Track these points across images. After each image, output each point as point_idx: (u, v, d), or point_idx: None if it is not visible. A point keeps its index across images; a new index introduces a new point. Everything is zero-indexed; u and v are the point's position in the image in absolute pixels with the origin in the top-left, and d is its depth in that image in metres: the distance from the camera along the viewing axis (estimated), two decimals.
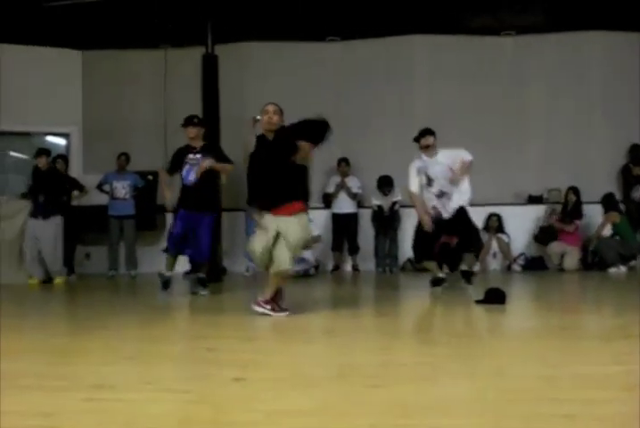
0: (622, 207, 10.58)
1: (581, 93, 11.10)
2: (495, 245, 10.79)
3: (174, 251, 7.37)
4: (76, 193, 10.41)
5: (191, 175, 7.25)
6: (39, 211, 9.18)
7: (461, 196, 7.53)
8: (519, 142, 11.18)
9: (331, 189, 10.97)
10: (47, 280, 9.25)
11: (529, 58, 11.26)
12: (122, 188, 10.47)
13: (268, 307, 5.55)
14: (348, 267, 11.13)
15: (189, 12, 9.78)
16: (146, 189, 10.75)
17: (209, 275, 7.63)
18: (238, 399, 2.85)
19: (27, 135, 11.74)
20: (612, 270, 9.99)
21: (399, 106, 11.20)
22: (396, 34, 11.14)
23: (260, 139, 5.71)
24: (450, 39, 11.23)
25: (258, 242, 5.58)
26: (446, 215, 7.47)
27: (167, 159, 10.73)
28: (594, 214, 10.66)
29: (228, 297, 7.73)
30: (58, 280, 9.21)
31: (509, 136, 11.17)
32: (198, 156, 7.31)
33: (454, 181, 7.43)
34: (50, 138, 11.99)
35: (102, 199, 10.59)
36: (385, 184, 10.65)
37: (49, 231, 9.18)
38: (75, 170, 11.26)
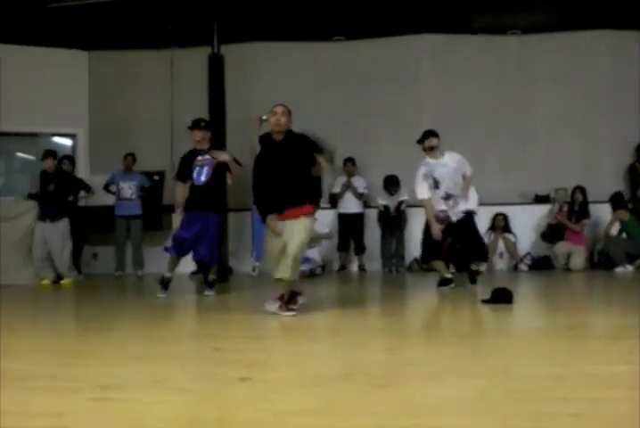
0: (629, 206, 10.56)
1: (587, 92, 11.07)
2: (501, 245, 10.77)
3: (178, 252, 7.35)
4: (82, 193, 10.44)
5: (202, 175, 7.26)
6: (48, 215, 9.21)
7: (468, 200, 7.60)
8: (525, 141, 11.17)
9: (337, 189, 10.97)
10: (57, 280, 9.31)
11: (536, 57, 11.24)
12: (129, 188, 10.49)
13: (276, 305, 5.59)
14: (354, 266, 11.12)
15: (195, 13, 9.80)
16: (153, 189, 10.78)
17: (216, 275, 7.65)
18: (245, 398, 2.86)
19: (33, 135, 11.77)
20: (619, 270, 9.97)
21: (405, 106, 11.18)
22: (401, 33, 11.13)
23: (266, 139, 5.73)
24: (456, 39, 11.22)
25: (274, 249, 5.59)
26: (454, 218, 7.50)
27: (173, 159, 10.86)
28: (600, 214, 10.64)
29: (235, 297, 7.73)
30: (65, 281, 9.25)
31: (515, 135, 11.16)
32: (207, 156, 7.30)
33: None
34: (56, 139, 12.03)
35: (108, 199, 10.61)
36: (391, 183, 10.64)
37: (57, 234, 9.21)
38: (81, 171, 11.30)
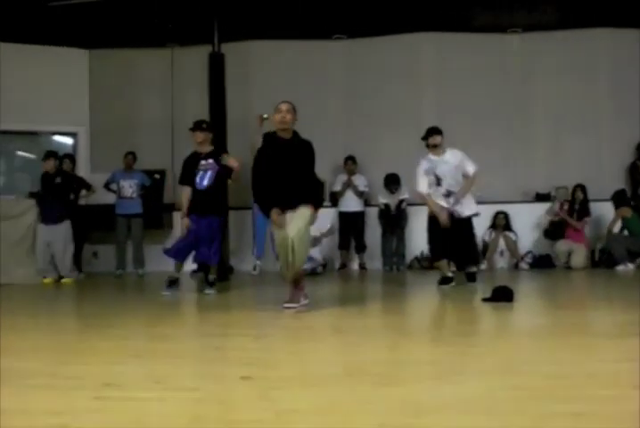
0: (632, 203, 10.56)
1: (588, 90, 11.07)
2: (502, 243, 10.76)
3: (182, 258, 7.40)
4: (83, 192, 10.44)
5: (205, 179, 7.27)
6: (50, 217, 9.22)
7: (469, 204, 7.63)
8: (526, 139, 11.17)
9: (337, 187, 10.96)
10: (59, 279, 9.34)
11: (536, 55, 11.23)
12: (129, 187, 10.48)
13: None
14: (355, 265, 11.12)
15: (196, 11, 9.80)
16: (153, 188, 10.78)
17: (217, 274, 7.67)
18: (246, 397, 2.85)
19: (34, 134, 11.77)
20: (620, 268, 9.96)
21: (406, 104, 11.18)
22: (402, 32, 11.13)
23: (271, 137, 5.71)
24: (457, 37, 11.21)
25: (282, 241, 5.59)
26: (456, 214, 7.52)
27: (174, 157, 10.87)
28: (601, 212, 10.64)
29: (235, 295, 7.73)
30: (66, 280, 9.27)
31: (516, 134, 11.16)
32: (210, 161, 7.32)
33: (460, 195, 7.52)
34: (57, 138, 12.02)
35: (109, 198, 10.61)
36: (392, 182, 10.64)
37: (60, 236, 9.24)
38: (82, 169, 11.30)
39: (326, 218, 10.17)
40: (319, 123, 10.37)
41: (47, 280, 9.28)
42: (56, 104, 11.41)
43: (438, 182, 7.47)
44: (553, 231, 10.65)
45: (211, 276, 7.46)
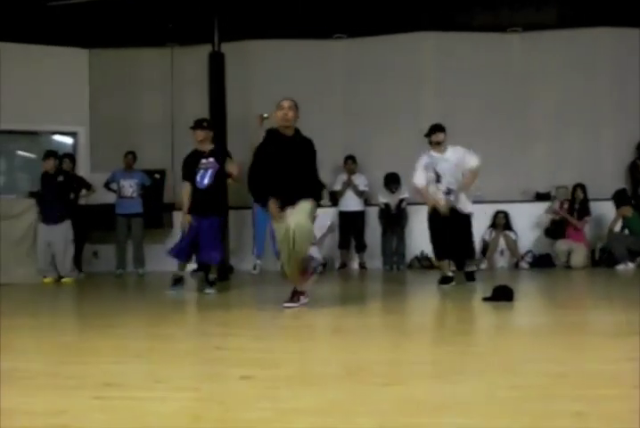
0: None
1: (589, 89, 11.06)
2: (502, 243, 10.76)
3: (184, 259, 7.44)
4: (83, 191, 10.44)
5: (205, 178, 7.28)
6: (50, 216, 9.22)
7: (467, 202, 7.64)
8: (526, 138, 11.16)
9: (337, 187, 10.97)
10: (59, 279, 9.35)
11: (536, 54, 11.23)
12: (129, 186, 10.48)
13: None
14: (355, 264, 11.13)
15: (195, 11, 9.80)
16: (153, 187, 10.78)
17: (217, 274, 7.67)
18: (246, 397, 2.85)
19: (34, 134, 11.76)
20: (620, 267, 9.96)
21: (406, 103, 11.18)
22: (402, 31, 11.13)
23: (274, 134, 5.71)
24: (457, 36, 11.21)
25: (284, 238, 5.59)
26: (458, 209, 7.53)
27: (174, 157, 10.86)
28: (601, 211, 10.64)
29: (236, 295, 7.74)
30: (66, 280, 9.28)
31: (516, 133, 11.15)
32: (211, 160, 7.33)
33: (462, 188, 7.51)
34: (57, 137, 12.02)
35: (109, 197, 10.61)
36: (392, 181, 10.64)
37: (61, 236, 9.25)
38: (82, 169, 11.30)
39: (326, 216, 10.17)
40: (319, 123, 10.35)
41: (47, 280, 9.30)
42: (56, 104, 11.40)
43: (438, 179, 7.47)
44: (555, 230, 10.66)
45: (211, 276, 7.47)
